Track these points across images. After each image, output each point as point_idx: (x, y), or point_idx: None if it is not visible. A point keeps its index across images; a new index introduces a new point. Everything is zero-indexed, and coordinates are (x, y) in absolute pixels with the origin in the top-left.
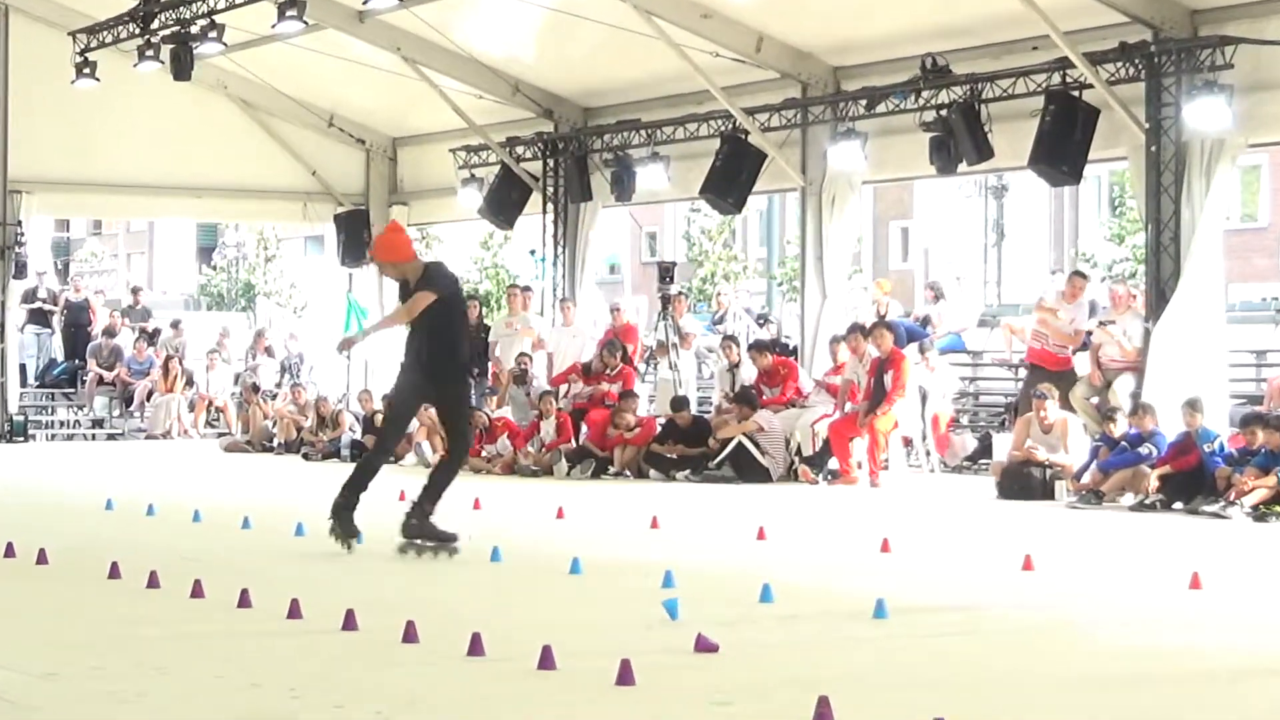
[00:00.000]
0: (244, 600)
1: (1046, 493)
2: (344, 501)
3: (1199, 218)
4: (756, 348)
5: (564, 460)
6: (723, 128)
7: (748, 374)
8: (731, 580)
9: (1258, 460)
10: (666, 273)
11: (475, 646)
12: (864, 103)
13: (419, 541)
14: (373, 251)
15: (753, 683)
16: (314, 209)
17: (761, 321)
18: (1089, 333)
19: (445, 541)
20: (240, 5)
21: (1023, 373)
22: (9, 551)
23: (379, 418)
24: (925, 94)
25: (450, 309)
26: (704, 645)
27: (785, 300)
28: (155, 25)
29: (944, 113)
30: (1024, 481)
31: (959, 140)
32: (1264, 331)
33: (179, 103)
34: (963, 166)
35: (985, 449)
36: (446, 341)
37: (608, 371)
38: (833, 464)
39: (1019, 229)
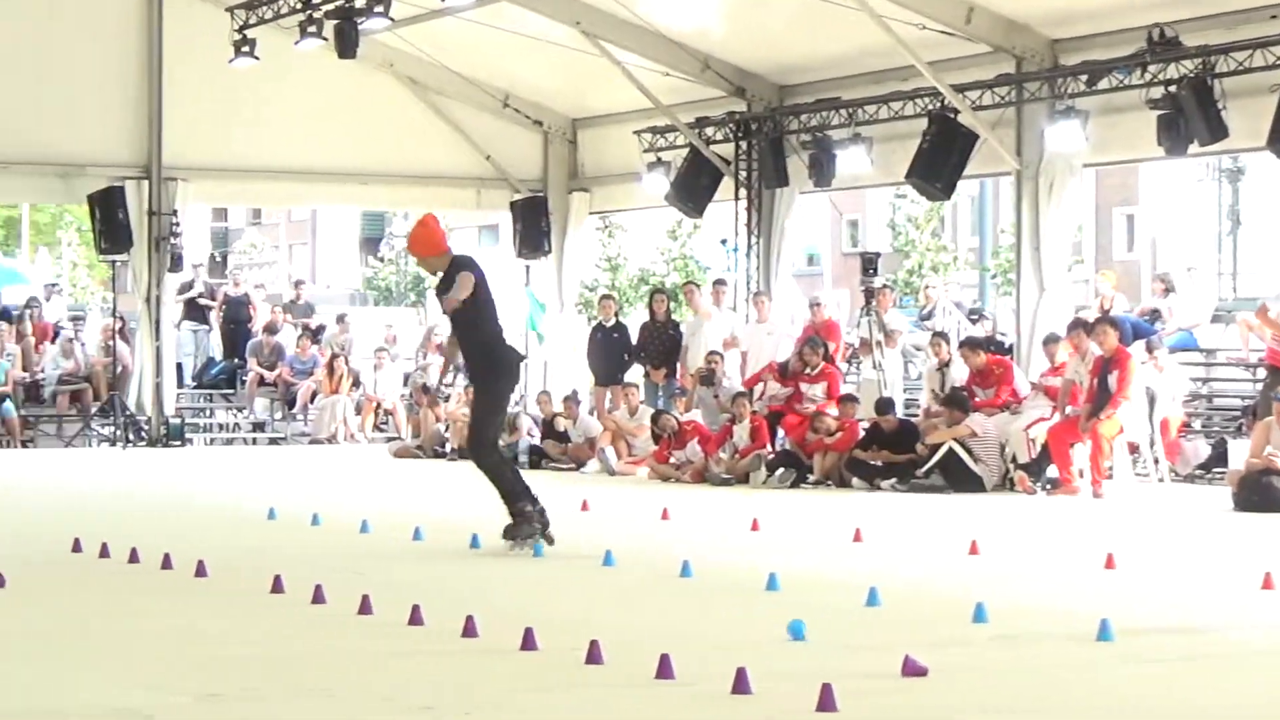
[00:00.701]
0: (415, 617)
1: None
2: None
3: None
4: (969, 345)
5: (763, 467)
6: (930, 106)
7: (959, 374)
8: (941, 598)
9: None
10: (870, 264)
11: (664, 669)
12: (1084, 78)
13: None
14: (407, 245)
15: (964, 709)
16: (488, 196)
17: (974, 317)
18: None
19: None
20: None
21: (1261, 373)
22: (166, 563)
23: (559, 421)
24: (1152, 68)
25: (478, 306)
26: (912, 668)
27: (999, 294)
28: (318, 0)
29: (1173, 89)
30: (1263, 492)
31: (1189, 119)
32: None
33: (343, 83)
34: (1193, 147)
35: (1220, 456)
36: (475, 340)
37: (807, 371)
38: (1052, 472)
39: (1256, 215)
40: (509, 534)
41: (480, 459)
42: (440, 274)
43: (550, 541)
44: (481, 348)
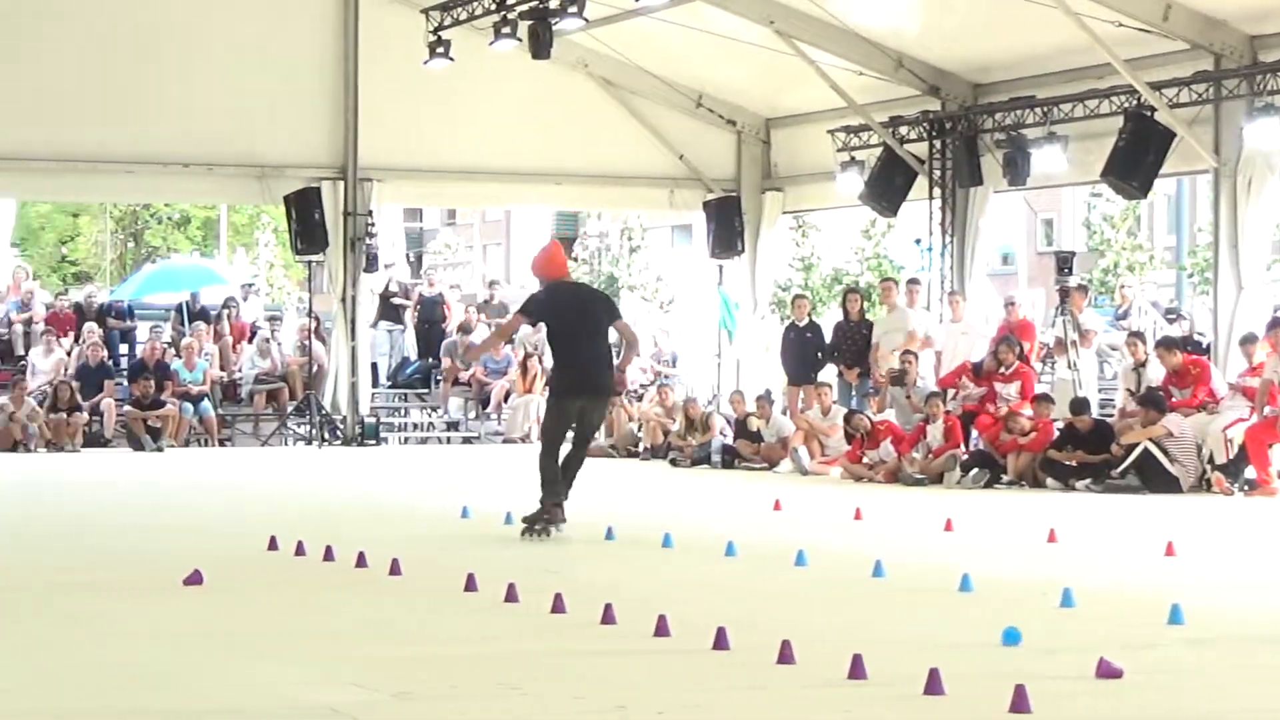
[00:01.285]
0: (607, 616)
1: None
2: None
3: None
4: (1165, 345)
5: (957, 467)
6: (1126, 104)
7: (1155, 374)
8: (1137, 600)
9: None
10: (1065, 263)
11: (856, 669)
12: None
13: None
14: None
15: (1159, 713)
16: (681, 196)
17: (1170, 317)
18: None
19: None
20: None
21: None
22: (360, 562)
23: (752, 420)
24: None
25: (551, 334)
26: (1106, 671)
27: (1196, 293)
28: (512, 1)
29: None
30: None
31: None
32: None
33: (537, 83)
34: None
35: None
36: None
37: (1002, 371)
38: (1250, 473)
39: None
40: (528, 520)
41: (540, 454)
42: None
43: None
44: (554, 367)
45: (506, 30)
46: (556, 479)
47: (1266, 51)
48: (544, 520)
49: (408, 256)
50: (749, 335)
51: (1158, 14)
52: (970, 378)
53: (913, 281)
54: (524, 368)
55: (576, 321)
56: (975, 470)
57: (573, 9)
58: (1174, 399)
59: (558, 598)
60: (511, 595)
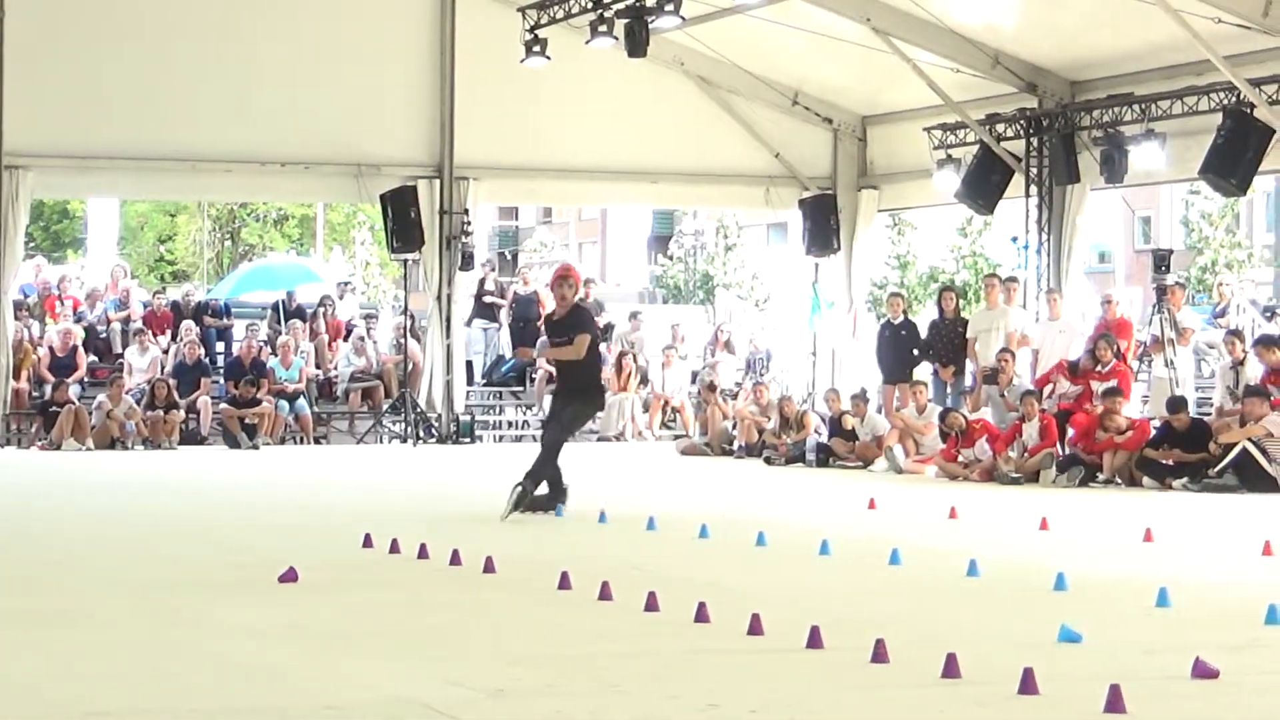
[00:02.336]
0: (701, 614)
1: None
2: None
3: None
4: (1264, 343)
5: (1053, 466)
6: (1225, 101)
7: (1253, 372)
8: (1235, 599)
9: None
10: (1163, 261)
11: (950, 668)
12: None
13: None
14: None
15: (1257, 714)
16: (777, 194)
17: (1269, 315)
18: None
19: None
20: None
21: None
22: (454, 559)
23: (846, 419)
24: None
25: (596, 352)
26: (1203, 671)
27: None
28: (609, 0)
29: None
30: None
31: None
32: None
33: (633, 81)
34: None
35: None
36: (586, 372)
37: (1099, 369)
38: None
39: None
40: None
41: (550, 448)
42: (556, 315)
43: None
44: (588, 379)
45: (603, 29)
46: (555, 474)
47: None
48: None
49: (504, 255)
50: (829, 333)
51: (1258, 10)
52: (1066, 376)
53: (1010, 279)
54: (619, 366)
55: None
56: (1071, 469)
57: (669, 7)
58: (1274, 397)
59: (651, 596)
60: (605, 593)
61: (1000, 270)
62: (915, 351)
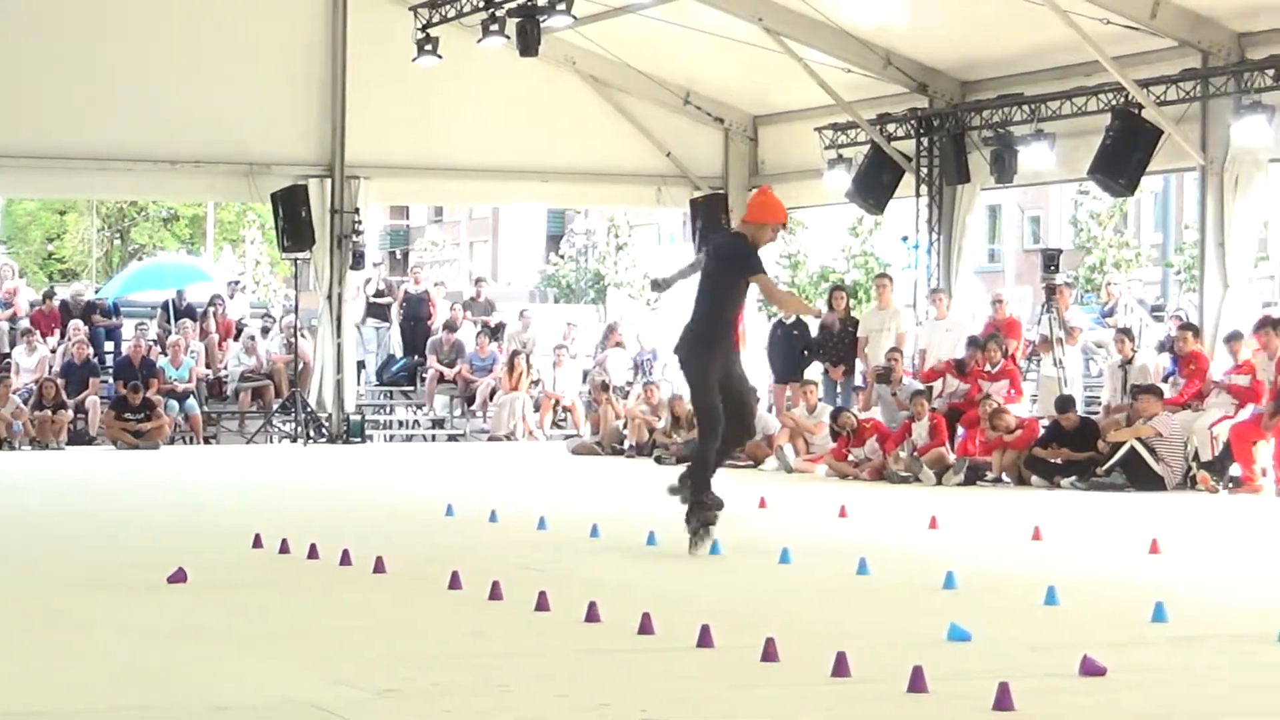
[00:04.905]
0: (592, 614)
1: None
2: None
3: None
4: (1186, 329)
5: (963, 469)
6: (1114, 102)
7: (1140, 371)
8: (1121, 597)
9: None
10: (1051, 261)
11: (840, 667)
12: (1272, 73)
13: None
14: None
15: (1143, 711)
16: (668, 193)
17: (1158, 315)
18: None
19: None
20: None
21: None
22: (344, 559)
23: None
24: None
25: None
26: (1090, 668)
27: (1182, 291)
28: None
29: None
30: None
31: None
32: None
33: (525, 80)
34: None
35: None
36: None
37: (988, 369)
38: (1235, 471)
39: None
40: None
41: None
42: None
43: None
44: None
45: (494, 28)
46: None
47: (1254, 49)
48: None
49: (393, 254)
50: None
51: (1146, 11)
52: (954, 374)
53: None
54: (510, 365)
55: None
56: (955, 463)
57: (561, 6)
58: (1168, 396)
59: (542, 595)
60: (496, 593)
61: (889, 269)
62: (806, 351)
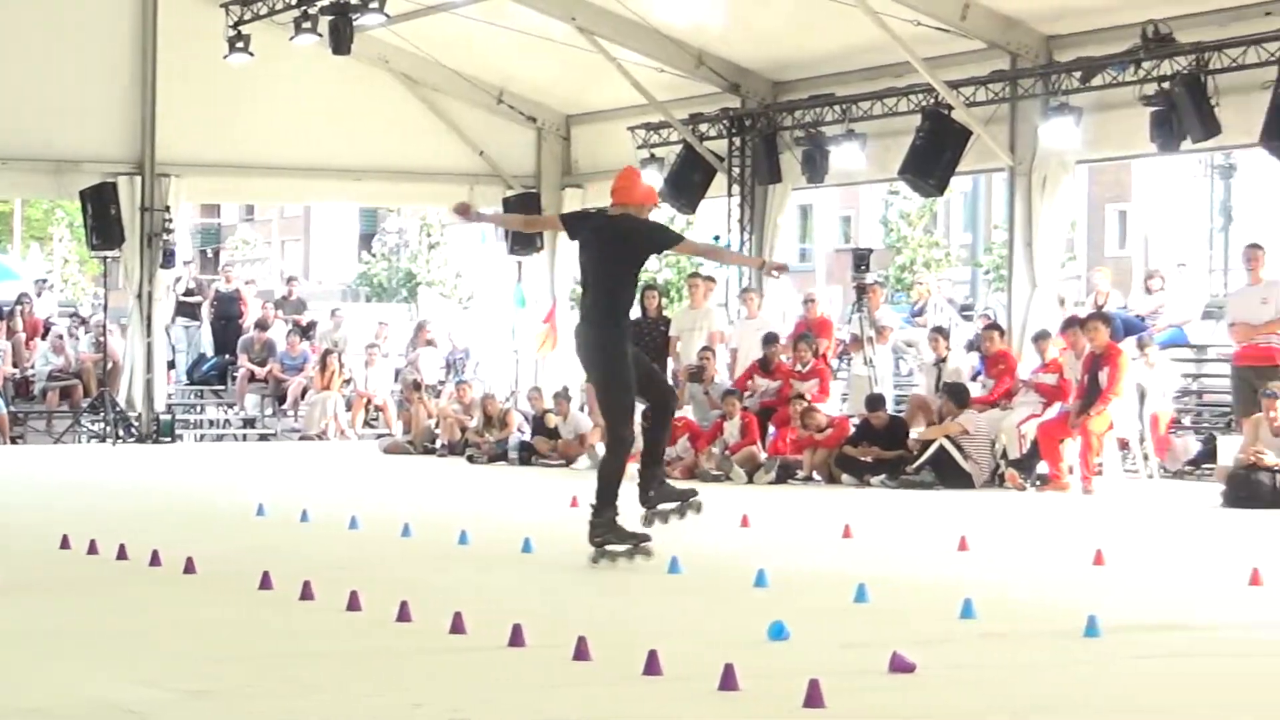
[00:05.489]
0: (404, 614)
1: (1277, 500)
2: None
3: None
4: (993, 328)
5: (774, 468)
6: (924, 103)
7: (954, 370)
8: (930, 594)
9: None
10: (862, 260)
11: (652, 665)
12: (1078, 75)
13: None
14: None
15: (952, 707)
16: (481, 192)
17: (967, 315)
18: None
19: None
20: None
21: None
22: (154, 560)
23: (549, 417)
24: (1146, 65)
25: None
26: (900, 665)
27: (991, 290)
28: None
29: (1166, 85)
30: (1252, 488)
31: (1183, 115)
32: None
33: (338, 79)
34: (1186, 144)
35: (1210, 453)
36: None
37: (799, 368)
38: (1042, 468)
39: (1248, 212)
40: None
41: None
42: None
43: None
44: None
45: (307, 25)
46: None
47: (1061, 51)
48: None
49: (204, 252)
50: (528, 334)
51: (955, 13)
52: (759, 374)
53: (709, 279)
54: (322, 364)
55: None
56: (767, 462)
57: (374, 5)
58: (977, 395)
59: (353, 595)
60: (307, 593)
61: (702, 269)
62: None
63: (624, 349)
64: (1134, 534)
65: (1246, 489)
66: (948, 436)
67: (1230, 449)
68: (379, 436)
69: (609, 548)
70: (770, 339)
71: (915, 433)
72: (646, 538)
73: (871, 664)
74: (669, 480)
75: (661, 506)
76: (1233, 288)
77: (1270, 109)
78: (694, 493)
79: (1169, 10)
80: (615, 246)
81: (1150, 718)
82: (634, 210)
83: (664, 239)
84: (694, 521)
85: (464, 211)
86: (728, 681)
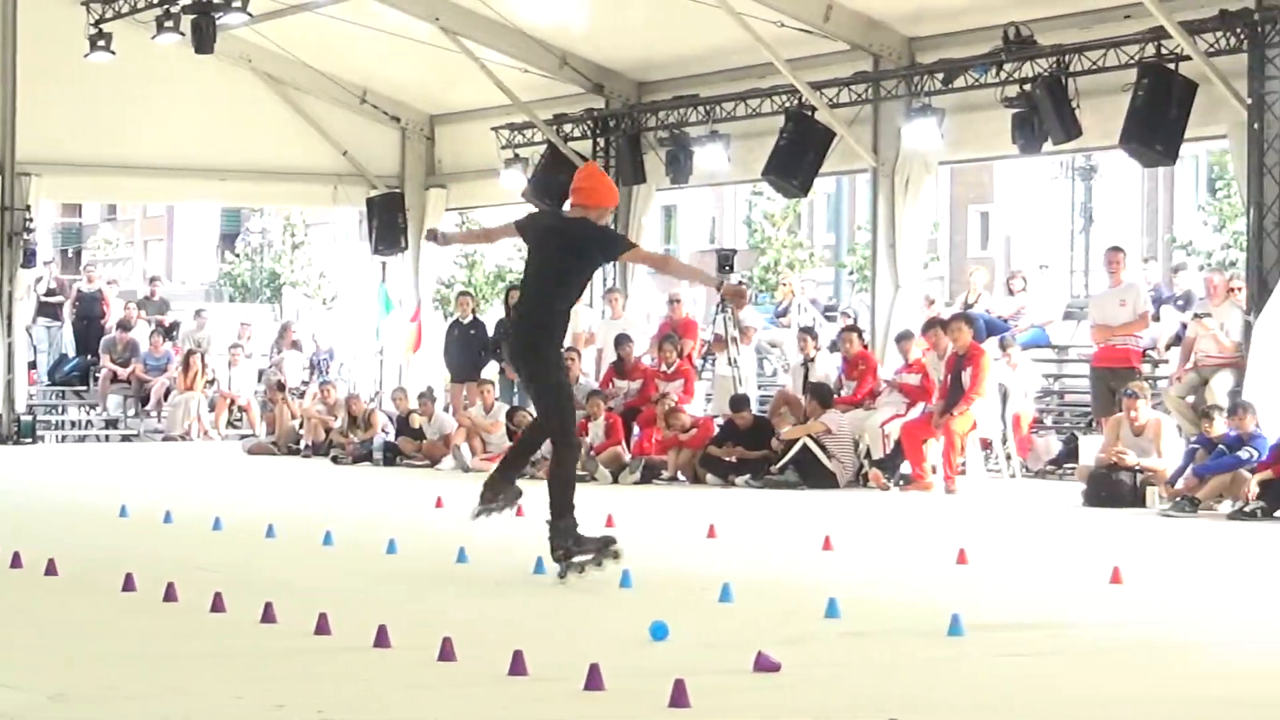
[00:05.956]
0: (268, 615)
1: (1137, 499)
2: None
3: None
4: (852, 330)
5: (638, 468)
6: (788, 104)
7: (822, 370)
8: (794, 594)
9: None
10: (726, 261)
11: (517, 665)
12: (941, 77)
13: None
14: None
15: (816, 705)
16: (345, 192)
17: (830, 315)
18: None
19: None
20: None
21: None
22: (15, 562)
23: (414, 418)
24: (1007, 67)
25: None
26: (764, 664)
27: (855, 291)
28: None
29: (1028, 87)
30: (1113, 487)
31: (1044, 117)
32: None
33: (200, 78)
34: (1047, 146)
35: (1071, 452)
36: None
37: (664, 369)
38: (905, 468)
39: (1109, 214)
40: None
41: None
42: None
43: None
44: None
45: (169, 24)
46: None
47: (924, 53)
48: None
49: (65, 252)
50: (395, 334)
51: (819, 15)
52: (616, 377)
53: None
54: (185, 365)
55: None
56: (632, 462)
57: (236, 4)
58: (842, 394)
59: (218, 596)
60: (171, 595)
61: None
62: (483, 351)
63: (560, 355)
64: (997, 533)
65: (1107, 488)
66: (811, 436)
67: (1091, 449)
68: (243, 437)
69: (574, 559)
70: (622, 340)
71: (782, 433)
72: (611, 540)
73: (736, 663)
74: (580, 530)
75: (577, 559)
76: (1094, 289)
77: (1130, 111)
78: (612, 540)
79: (1030, 13)
80: (564, 250)
81: (1013, 715)
82: (594, 214)
83: (616, 248)
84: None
85: (434, 237)
86: (593, 682)
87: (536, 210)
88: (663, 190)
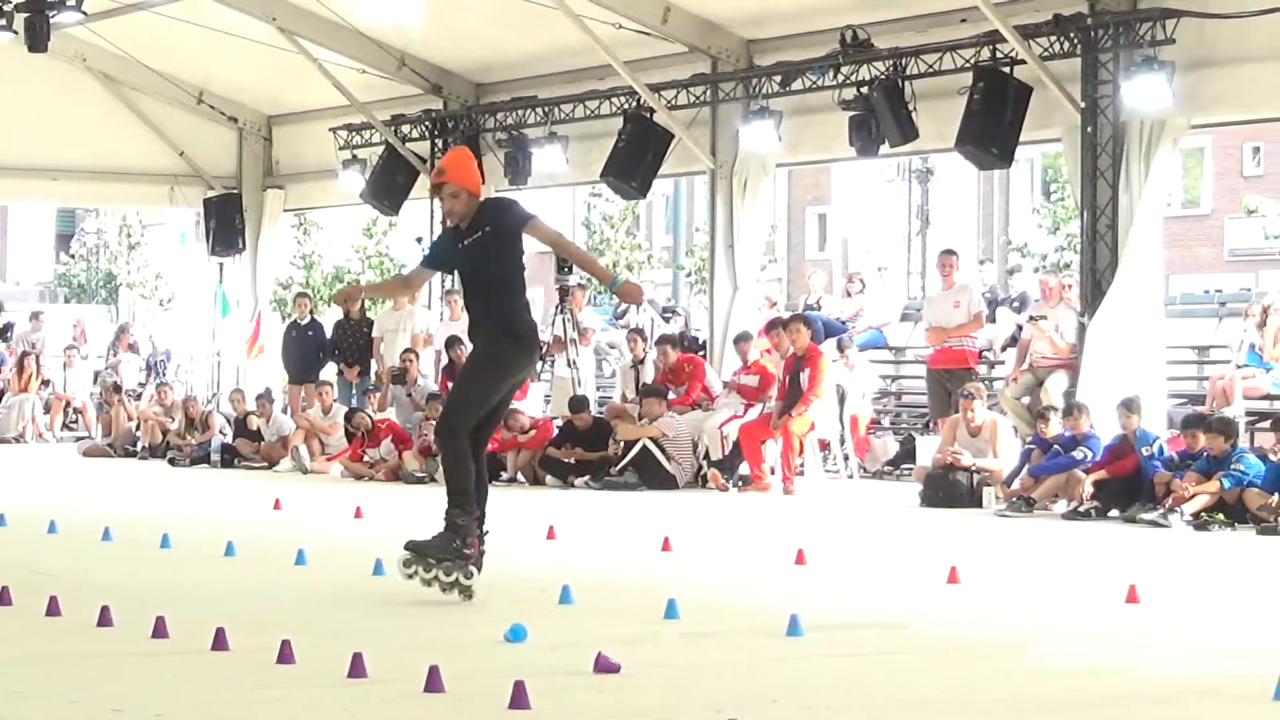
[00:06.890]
0: (104, 619)
1: (973, 500)
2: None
3: (1137, 204)
4: (664, 342)
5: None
6: (626, 106)
7: (652, 371)
8: (634, 595)
9: (1199, 465)
10: (565, 262)
11: (357, 668)
12: (778, 79)
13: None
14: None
15: (656, 706)
16: (182, 192)
17: (668, 315)
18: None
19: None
20: None
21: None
22: None
23: (252, 419)
24: (845, 70)
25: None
26: (604, 666)
27: (693, 292)
28: None
29: (865, 90)
30: (949, 488)
31: (881, 120)
32: (1205, 326)
33: (34, 76)
34: (884, 148)
35: (908, 453)
36: (508, 305)
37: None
38: (744, 469)
39: (945, 216)
40: (417, 549)
41: (449, 440)
42: (464, 223)
43: (467, 579)
44: (513, 314)
45: (2, 22)
46: (470, 481)
47: (762, 55)
48: (444, 551)
49: None
50: (232, 336)
51: (657, 16)
52: (448, 378)
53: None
54: (20, 366)
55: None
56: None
57: (71, 2)
58: (670, 397)
59: (53, 600)
60: (5, 598)
61: (405, 269)
62: (321, 352)
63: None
64: (835, 533)
65: (944, 489)
66: (650, 438)
67: (928, 449)
68: (78, 439)
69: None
70: (453, 342)
71: (618, 434)
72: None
73: (577, 664)
74: (459, 542)
75: (430, 558)
76: (930, 291)
77: (965, 115)
78: (470, 577)
79: (868, 16)
80: (495, 251)
81: (852, 715)
82: (477, 199)
83: (522, 217)
84: (401, 522)
85: (343, 300)
86: (433, 683)
87: (435, 241)
88: (501, 192)
